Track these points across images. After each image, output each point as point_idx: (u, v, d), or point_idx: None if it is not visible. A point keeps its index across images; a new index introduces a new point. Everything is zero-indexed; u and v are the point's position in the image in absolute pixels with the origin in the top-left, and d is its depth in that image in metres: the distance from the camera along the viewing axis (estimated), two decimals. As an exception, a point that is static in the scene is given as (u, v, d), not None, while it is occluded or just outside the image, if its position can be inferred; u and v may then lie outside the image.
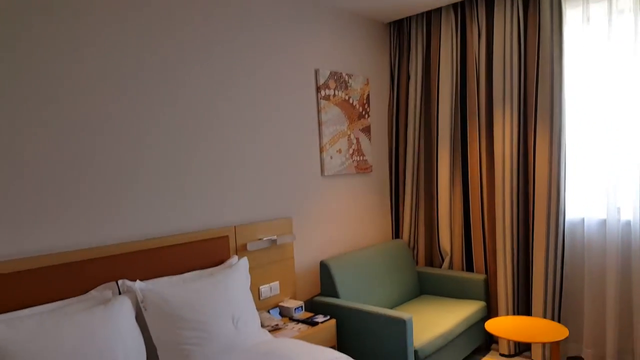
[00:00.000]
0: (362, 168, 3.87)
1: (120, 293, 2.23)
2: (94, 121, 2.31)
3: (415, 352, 2.79)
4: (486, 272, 3.71)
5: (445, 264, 3.89)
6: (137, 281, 2.26)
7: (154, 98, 2.55)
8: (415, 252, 4.09)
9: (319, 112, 3.51)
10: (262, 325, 2.81)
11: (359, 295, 3.30)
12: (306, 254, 3.47)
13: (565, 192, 3.28)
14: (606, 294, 3.18)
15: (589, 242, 3.27)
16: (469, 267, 3.82)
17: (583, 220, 3.31)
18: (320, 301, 3.16)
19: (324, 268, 3.24)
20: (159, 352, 2.16)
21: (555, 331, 2.63)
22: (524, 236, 3.51)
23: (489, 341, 3.72)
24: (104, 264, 2.24)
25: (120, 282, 2.24)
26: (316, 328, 2.84)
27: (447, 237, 3.86)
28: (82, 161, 2.27)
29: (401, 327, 2.77)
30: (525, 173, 3.49)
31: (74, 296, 2.14)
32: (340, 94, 3.66)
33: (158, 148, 2.57)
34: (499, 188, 3.51)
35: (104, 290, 2.17)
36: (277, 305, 3.13)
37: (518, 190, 3.48)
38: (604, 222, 3.22)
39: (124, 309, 2.07)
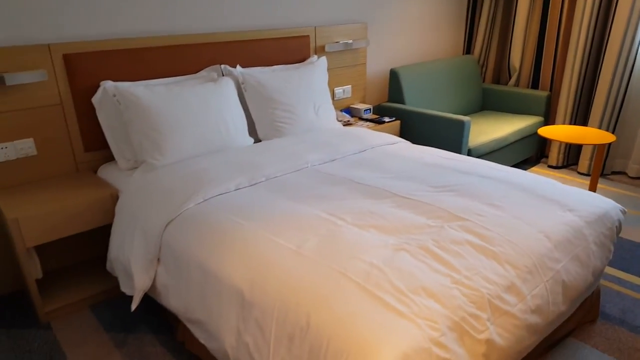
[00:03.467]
0: (441, -23, 3.79)
1: (223, 75, 2.65)
2: None
3: (469, 150, 3.17)
4: (550, 90, 3.84)
5: (512, 80, 4.02)
6: (238, 66, 2.66)
7: None
8: (484, 69, 4.21)
9: None
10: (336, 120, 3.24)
11: (424, 104, 3.61)
12: (377, 62, 3.71)
13: (653, 8, 3.15)
14: (667, 113, 3.29)
15: (664, 61, 3.26)
16: (535, 85, 3.95)
17: (664, 38, 3.25)
18: (387, 106, 3.51)
19: (394, 75, 3.51)
20: (257, 127, 2.66)
21: (604, 137, 2.87)
22: (595, 56, 3.51)
23: (540, 155, 4.04)
24: (210, 50, 2.63)
25: (222, 66, 2.65)
26: (383, 126, 3.25)
27: (519, 53, 3.91)
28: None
29: (459, 128, 3.11)
30: (616, -13, 3.33)
31: (188, 74, 2.59)
32: None
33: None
34: (579, 5, 3.40)
35: (211, 72, 2.60)
36: (348, 107, 3.53)
37: (600, 6, 3.37)
38: (686, 41, 3.16)
39: (230, 87, 2.50)
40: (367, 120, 3.36)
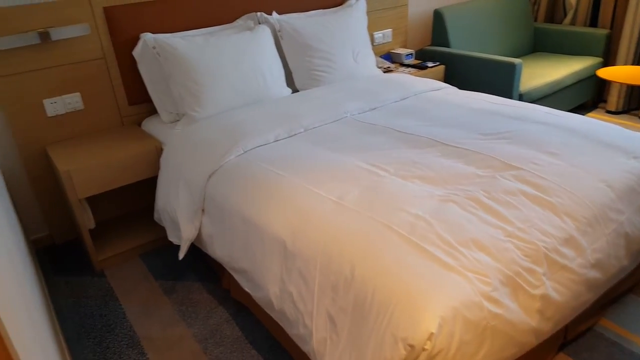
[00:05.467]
0: None
1: (259, 23, 2.55)
2: None
3: (521, 95, 2.97)
4: (611, 28, 3.51)
5: (568, 19, 3.69)
6: (274, 13, 2.55)
7: None
8: (536, 7, 3.88)
9: None
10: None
11: (470, 47, 3.38)
12: (420, 2, 3.48)
13: None
14: None
15: None
16: (594, 23, 3.61)
17: None
18: (431, 50, 3.31)
19: (438, 16, 3.29)
20: (294, 76, 2.58)
21: (673, 79, 2.61)
22: (670, -16, 3.15)
23: (597, 99, 3.75)
24: (244, -3, 2.53)
25: (259, 14, 2.54)
26: (426, 71, 3.08)
27: (577, -12, 3.56)
28: None
29: (510, 72, 2.90)
30: None
31: (223, 24, 2.50)
32: None
33: None
34: None
35: (247, 20, 2.50)
36: (388, 52, 3.36)
37: None
38: None
39: (266, 35, 2.41)
40: (408, 65, 3.19)
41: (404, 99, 2.37)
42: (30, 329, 0.96)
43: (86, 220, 2.13)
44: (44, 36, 2.03)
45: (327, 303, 1.26)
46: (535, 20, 3.92)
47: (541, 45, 3.80)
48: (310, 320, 1.31)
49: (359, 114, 2.21)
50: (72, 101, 2.23)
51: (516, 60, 2.86)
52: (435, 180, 1.52)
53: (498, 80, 2.97)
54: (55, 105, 2.20)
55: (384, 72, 3.05)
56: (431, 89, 2.47)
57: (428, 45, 3.44)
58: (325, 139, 1.93)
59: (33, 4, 2.02)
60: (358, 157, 1.73)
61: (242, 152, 1.86)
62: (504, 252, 1.19)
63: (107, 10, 2.18)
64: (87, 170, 2.01)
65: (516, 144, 1.72)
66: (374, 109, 2.26)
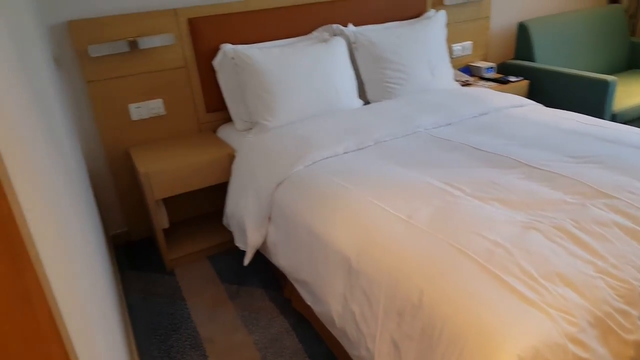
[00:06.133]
0: None
1: (335, 35, 2.55)
2: None
3: (614, 115, 2.73)
4: None
5: (673, 32, 3.35)
6: (350, 25, 2.54)
7: None
8: (634, 20, 3.56)
9: None
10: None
11: (557, 62, 3.17)
12: (503, 14, 3.32)
13: None
14: None
15: None
16: None
17: None
18: (514, 64, 3.14)
19: (522, 30, 3.11)
20: (366, 88, 2.54)
21: None
22: None
23: None
24: (321, 9, 2.54)
25: (334, 26, 2.54)
26: (507, 86, 2.91)
27: (685, -1, 3.23)
28: None
29: (602, 90, 2.67)
30: None
31: (300, 35, 2.53)
32: None
33: None
34: None
35: (323, 32, 2.51)
36: (467, 65, 3.22)
37: None
38: None
39: (340, 47, 2.40)
40: (489, 79, 3.05)
41: (483, 114, 2.25)
42: (101, 320, 0.99)
43: (161, 220, 2.22)
44: (133, 45, 2.16)
45: (392, 328, 1.20)
46: (633, 34, 3.60)
47: (639, 62, 3.48)
48: (372, 343, 1.26)
49: (433, 128, 2.13)
50: (155, 107, 2.35)
51: (610, 78, 2.63)
52: (516, 204, 1.41)
53: (589, 99, 2.74)
54: (140, 110, 2.32)
55: (462, 85, 2.93)
56: (513, 105, 2.33)
57: (510, 59, 3.27)
58: (396, 154, 1.87)
59: (124, 14, 2.16)
60: (431, 174, 1.66)
61: (311, 162, 1.85)
62: (593, 290, 1.07)
63: (191, 22, 2.28)
64: (165, 173, 2.10)
65: (609, 170, 1.56)
66: (450, 124, 2.17)
